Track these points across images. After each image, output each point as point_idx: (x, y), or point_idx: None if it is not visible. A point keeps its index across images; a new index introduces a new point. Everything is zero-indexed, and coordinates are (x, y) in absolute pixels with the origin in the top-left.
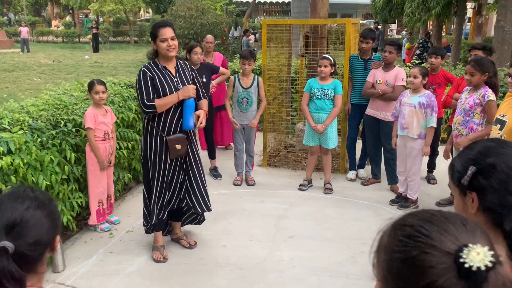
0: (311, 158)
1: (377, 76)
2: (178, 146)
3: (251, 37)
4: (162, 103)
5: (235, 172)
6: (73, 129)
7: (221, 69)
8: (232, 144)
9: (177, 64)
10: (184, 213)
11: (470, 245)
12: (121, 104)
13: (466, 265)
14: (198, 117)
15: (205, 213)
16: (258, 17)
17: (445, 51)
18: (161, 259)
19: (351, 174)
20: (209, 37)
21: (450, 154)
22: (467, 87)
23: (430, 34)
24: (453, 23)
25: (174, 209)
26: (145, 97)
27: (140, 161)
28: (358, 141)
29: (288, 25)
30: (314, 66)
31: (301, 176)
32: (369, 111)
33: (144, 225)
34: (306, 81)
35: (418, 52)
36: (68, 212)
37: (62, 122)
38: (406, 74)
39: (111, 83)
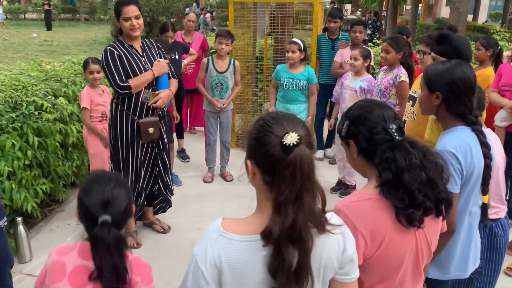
0: None
1: (345, 56)
2: (151, 130)
3: (208, 15)
4: (138, 83)
5: (203, 154)
6: (35, 112)
7: (191, 50)
8: (196, 127)
9: (143, 43)
10: (156, 197)
11: (290, 132)
12: (83, 85)
13: (284, 143)
14: (156, 95)
15: (176, 197)
16: None
17: (409, 30)
18: (135, 245)
19: (319, 153)
20: (191, 15)
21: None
22: (384, 67)
23: (378, 13)
24: (406, 4)
25: (147, 193)
26: (117, 78)
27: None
28: (325, 120)
29: (253, 3)
30: (281, 47)
31: None
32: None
33: None
34: (271, 61)
35: (369, 31)
36: (32, 199)
37: (24, 104)
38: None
39: (71, 63)
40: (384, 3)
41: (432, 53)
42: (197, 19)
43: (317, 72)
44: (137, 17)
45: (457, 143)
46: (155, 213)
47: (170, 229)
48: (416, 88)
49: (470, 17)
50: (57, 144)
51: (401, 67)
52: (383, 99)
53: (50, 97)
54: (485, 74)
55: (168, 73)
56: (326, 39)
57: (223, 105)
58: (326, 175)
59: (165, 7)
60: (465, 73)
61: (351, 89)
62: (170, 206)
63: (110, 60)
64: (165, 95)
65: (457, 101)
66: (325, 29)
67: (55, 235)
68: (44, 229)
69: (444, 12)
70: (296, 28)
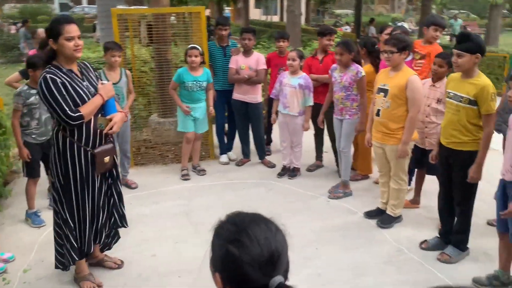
0: (187, 147)
1: (239, 62)
2: (107, 159)
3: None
4: (89, 110)
5: None
6: None
7: None
8: None
9: (79, 65)
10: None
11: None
12: None
13: None
14: (111, 120)
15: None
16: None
17: (289, 34)
18: None
19: (224, 158)
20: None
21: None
22: (334, 65)
23: (210, 17)
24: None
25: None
26: (66, 109)
27: (55, 187)
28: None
29: (134, 14)
30: (163, 56)
31: (175, 169)
32: (236, 95)
33: (58, 265)
34: (138, 71)
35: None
36: None
37: None
38: None
39: None
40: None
41: (456, 50)
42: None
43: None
44: (79, 37)
45: None
46: (101, 250)
47: (124, 263)
48: (384, 81)
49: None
50: None
51: (356, 64)
52: (348, 92)
53: None
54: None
55: (114, 96)
56: (217, 47)
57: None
58: (244, 177)
59: None
60: None
61: (291, 86)
62: (119, 238)
63: (54, 90)
64: (119, 119)
65: None
66: (209, 34)
67: None
68: None
69: (253, 13)
70: (177, 36)
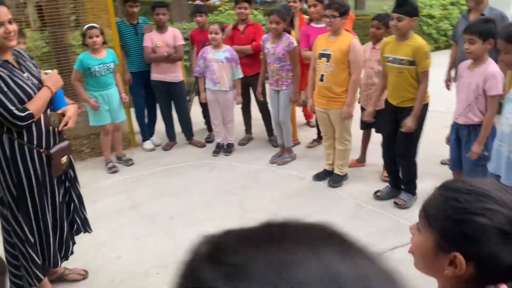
0: (106, 139)
1: (154, 39)
2: (63, 159)
3: None
4: (39, 106)
5: None
6: None
7: None
8: None
9: (13, 54)
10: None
11: None
12: None
13: None
14: (63, 114)
15: None
16: None
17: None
18: None
19: (148, 144)
20: None
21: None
22: (265, 36)
23: None
24: None
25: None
26: (12, 108)
27: (3, 202)
28: None
29: None
30: (57, 41)
31: (97, 163)
32: (155, 76)
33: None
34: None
35: None
36: None
37: None
38: None
39: None
40: None
41: (395, 14)
42: None
43: (124, 61)
44: (10, 21)
45: None
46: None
47: (88, 272)
48: (325, 46)
49: None
50: None
51: (287, 34)
52: (282, 63)
53: None
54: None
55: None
56: (127, 25)
57: None
58: (178, 161)
59: None
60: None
61: (217, 60)
62: (74, 244)
63: None
64: (73, 113)
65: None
66: None
67: None
68: None
69: None
70: (78, 16)
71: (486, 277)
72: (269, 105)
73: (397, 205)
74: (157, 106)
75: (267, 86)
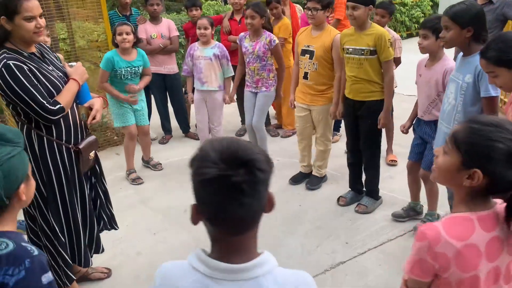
0: (131, 144)
1: (149, 30)
2: (92, 154)
3: None
4: (68, 99)
5: None
6: None
7: None
8: None
9: (36, 47)
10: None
11: None
12: None
13: None
14: (91, 108)
15: None
16: None
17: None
18: None
19: None
20: None
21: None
22: (242, 34)
23: None
24: None
25: None
26: (43, 101)
27: (32, 202)
28: None
29: None
30: None
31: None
32: (150, 68)
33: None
34: None
35: None
36: None
37: None
38: None
39: None
40: None
41: (350, 3)
42: None
43: None
44: (41, 16)
45: None
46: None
47: (111, 270)
48: (307, 42)
49: None
50: None
51: (267, 32)
52: (263, 63)
53: None
54: (284, 24)
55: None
56: (120, 17)
57: None
58: (177, 154)
59: None
60: (480, 6)
61: (205, 58)
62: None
63: (23, 79)
64: (100, 106)
65: (483, 28)
66: None
67: None
68: None
69: None
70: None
71: (492, 189)
72: (245, 109)
73: (357, 212)
74: (152, 98)
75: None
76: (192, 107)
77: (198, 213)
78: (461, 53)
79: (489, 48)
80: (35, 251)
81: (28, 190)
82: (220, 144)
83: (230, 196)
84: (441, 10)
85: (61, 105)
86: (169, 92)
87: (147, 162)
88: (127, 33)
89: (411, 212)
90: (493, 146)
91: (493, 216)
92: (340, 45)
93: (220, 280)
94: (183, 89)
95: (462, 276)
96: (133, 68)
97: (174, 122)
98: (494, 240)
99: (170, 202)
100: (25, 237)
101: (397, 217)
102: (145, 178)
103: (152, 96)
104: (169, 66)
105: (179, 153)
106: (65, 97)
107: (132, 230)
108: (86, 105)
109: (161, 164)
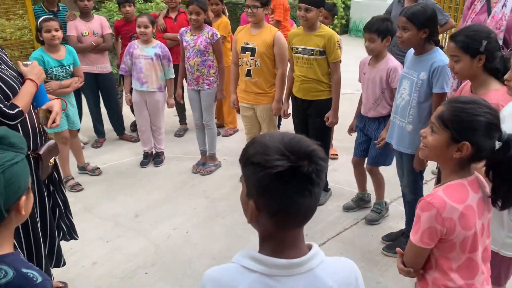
0: (65, 149)
1: (80, 28)
2: (52, 160)
3: None
4: (26, 102)
5: None
6: None
7: None
8: None
9: None
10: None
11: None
12: None
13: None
14: (49, 111)
15: None
16: None
17: None
18: None
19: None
20: None
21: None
22: (183, 29)
23: None
24: None
25: None
26: (1, 105)
27: None
28: None
29: None
30: None
31: None
32: (82, 67)
33: None
34: None
35: None
36: None
37: None
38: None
39: None
40: None
41: (302, 5)
42: None
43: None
44: None
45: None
46: None
47: (67, 284)
48: (247, 40)
49: None
50: None
51: (209, 26)
52: (203, 58)
53: None
54: (224, 22)
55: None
56: (45, 13)
57: None
58: (113, 158)
59: None
60: (432, 7)
61: (146, 57)
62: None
63: None
64: (59, 108)
65: (436, 29)
66: None
67: None
68: None
69: None
70: None
71: (476, 157)
72: (191, 108)
73: None
74: (83, 100)
75: (186, 86)
76: (126, 108)
77: (258, 209)
78: (412, 51)
79: (461, 33)
80: (38, 277)
81: (26, 204)
82: (280, 137)
83: (301, 187)
84: (352, 13)
85: (19, 109)
86: (102, 92)
87: (83, 168)
88: (56, 30)
89: (361, 202)
90: (477, 120)
91: (477, 180)
92: (288, 44)
93: (279, 277)
94: (118, 88)
95: (467, 234)
96: (64, 67)
97: (107, 124)
98: (480, 200)
99: (117, 208)
100: (23, 257)
101: (349, 209)
102: (84, 185)
103: (83, 96)
104: (102, 65)
105: (116, 157)
106: (23, 100)
107: (83, 239)
108: (44, 107)
109: (99, 168)
